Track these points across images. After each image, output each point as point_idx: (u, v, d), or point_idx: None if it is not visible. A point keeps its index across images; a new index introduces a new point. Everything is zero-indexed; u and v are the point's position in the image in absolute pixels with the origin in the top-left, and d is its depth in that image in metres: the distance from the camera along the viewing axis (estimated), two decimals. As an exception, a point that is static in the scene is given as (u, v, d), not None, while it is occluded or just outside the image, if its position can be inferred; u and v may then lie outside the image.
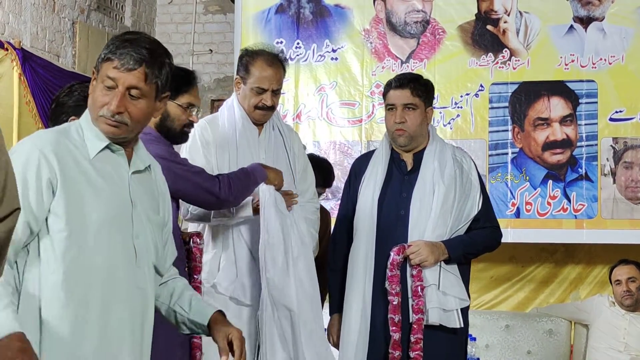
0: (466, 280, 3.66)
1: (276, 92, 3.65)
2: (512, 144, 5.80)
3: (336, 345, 3.73)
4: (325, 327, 3.69)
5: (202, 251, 3.45)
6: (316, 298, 3.52)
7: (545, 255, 6.25)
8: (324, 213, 4.93)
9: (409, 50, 5.99)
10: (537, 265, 6.26)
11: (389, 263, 3.50)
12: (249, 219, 3.52)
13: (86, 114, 2.32)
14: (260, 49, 3.67)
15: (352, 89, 6.06)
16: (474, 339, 4.30)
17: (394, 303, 3.48)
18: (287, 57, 4.02)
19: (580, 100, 5.73)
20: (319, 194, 4.89)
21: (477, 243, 3.67)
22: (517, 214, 5.73)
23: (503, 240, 3.84)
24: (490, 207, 3.79)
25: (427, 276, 3.53)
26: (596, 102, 5.70)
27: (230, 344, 2.38)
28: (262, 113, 3.63)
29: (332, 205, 5.64)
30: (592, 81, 5.71)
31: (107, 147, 2.29)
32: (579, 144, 5.71)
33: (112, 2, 6.96)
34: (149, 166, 2.40)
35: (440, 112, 5.83)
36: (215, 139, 3.59)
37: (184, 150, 3.60)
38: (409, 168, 3.72)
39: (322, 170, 4.90)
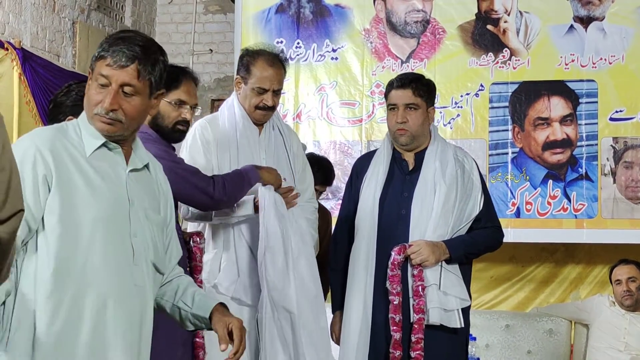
0: (467, 280, 3.66)
1: (277, 92, 3.65)
2: (512, 143, 5.80)
3: (338, 342, 3.74)
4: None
5: (203, 251, 3.45)
6: (319, 296, 3.53)
7: (546, 255, 6.25)
8: (325, 212, 4.93)
9: (409, 50, 5.99)
10: (537, 265, 6.26)
11: (390, 262, 3.50)
12: (250, 217, 3.52)
13: (84, 113, 2.33)
14: (261, 49, 3.67)
15: (352, 88, 6.06)
16: (474, 338, 4.29)
17: (395, 303, 3.48)
18: (287, 56, 4.02)
19: (580, 100, 5.73)
20: (320, 193, 4.90)
21: (478, 243, 3.68)
22: (517, 214, 5.73)
23: (503, 240, 3.84)
24: (492, 207, 3.80)
25: (428, 276, 3.54)
26: (596, 102, 5.70)
27: (230, 334, 2.37)
28: (263, 113, 3.63)
29: (333, 204, 5.64)
30: (593, 81, 5.71)
31: (104, 145, 2.29)
32: (579, 143, 5.71)
33: (112, 2, 6.96)
34: (148, 164, 2.40)
35: (441, 112, 5.83)
36: (215, 138, 3.59)
37: (183, 150, 3.60)
38: (411, 168, 3.73)
39: (323, 168, 4.91)
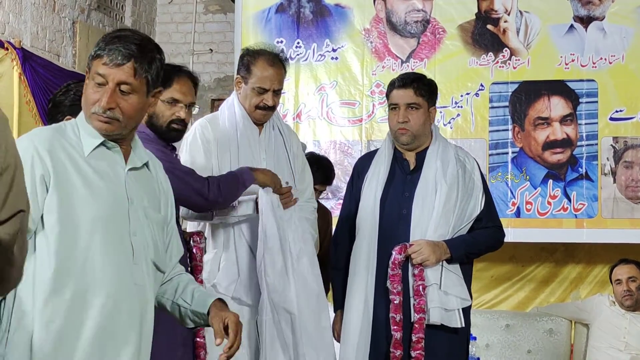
0: (468, 280, 3.66)
1: (277, 92, 3.65)
2: (512, 143, 5.80)
3: (340, 340, 3.75)
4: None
5: (203, 250, 3.45)
6: (322, 295, 3.54)
7: (546, 254, 6.25)
8: (325, 212, 4.93)
9: (409, 49, 5.98)
10: (537, 265, 6.26)
11: (390, 262, 3.50)
12: (251, 217, 3.52)
13: (82, 112, 2.33)
14: (262, 49, 3.67)
15: (352, 88, 6.05)
16: (474, 338, 4.28)
17: (396, 302, 3.48)
18: (287, 56, 4.02)
19: (580, 100, 5.73)
20: (320, 192, 4.90)
21: (479, 243, 3.68)
22: (518, 214, 5.73)
23: (504, 239, 3.85)
24: (493, 207, 3.80)
25: (429, 275, 3.54)
26: (596, 102, 5.70)
27: (227, 329, 2.36)
28: (263, 113, 3.63)
29: (333, 204, 5.64)
30: (593, 80, 5.71)
31: (102, 144, 2.29)
32: (579, 143, 5.71)
33: (112, 2, 6.96)
34: (148, 163, 2.40)
35: (441, 112, 5.82)
36: (216, 138, 3.59)
37: (184, 149, 3.60)
38: (412, 167, 3.73)
39: (322, 168, 4.91)
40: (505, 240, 3.89)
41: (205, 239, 3.53)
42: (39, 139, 2.24)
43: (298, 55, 6.09)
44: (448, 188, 3.62)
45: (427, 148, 3.73)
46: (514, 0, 5.84)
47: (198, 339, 3.32)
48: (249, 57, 3.63)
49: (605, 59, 5.70)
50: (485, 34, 5.87)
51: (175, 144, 3.44)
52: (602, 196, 5.64)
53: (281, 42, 6.04)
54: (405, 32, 6.00)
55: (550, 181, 5.72)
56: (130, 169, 2.34)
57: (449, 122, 5.87)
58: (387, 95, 3.76)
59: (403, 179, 3.71)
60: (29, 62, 5.49)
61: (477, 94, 5.86)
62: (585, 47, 5.72)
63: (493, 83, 5.84)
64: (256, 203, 3.49)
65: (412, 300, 3.52)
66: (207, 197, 3.30)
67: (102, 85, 2.26)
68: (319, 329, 3.49)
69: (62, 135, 2.28)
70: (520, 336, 5.78)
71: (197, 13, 7.43)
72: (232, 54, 6.81)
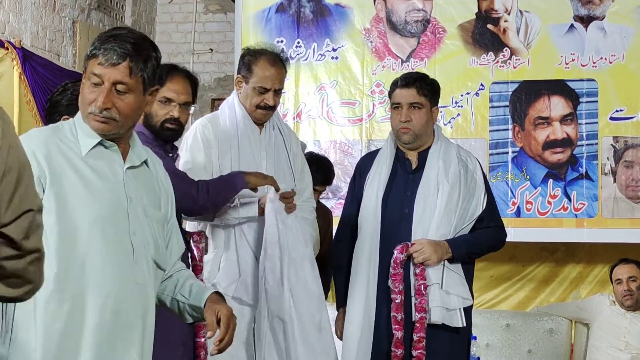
0: (470, 280, 3.67)
1: (278, 92, 3.65)
2: (512, 143, 5.80)
3: (342, 338, 3.75)
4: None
5: (203, 250, 3.44)
6: (322, 297, 3.56)
7: (546, 254, 6.25)
8: (326, 212, 4.93)
9: (410, 49, 5.98)
10: (537, 265, 6.26)
11: (392, 261, 3.51)
12: (253, 219, 3.52)
13: (80, 112, 2.33)
14: (263, 49, 3.67)
15: (352, 88, 6.05)
16: (475, 338, 4.29)
17: (397, 301, 3.49)
18: (288, 56, 4.02)
19: (580, 99, 5.73)
20: (320, 192, 4.90)
21: (481, 242, 3.68)
22: (518, 213, 5.73)
23: (506, 239, 3.85)
24: (495, 206, 3.80)
25: (431, 275, 3.54)
26: (596, 101, 5.70)
27: (220, 322, 2.34)
28: (264, 112, 3.63)
29: (333, 204, 5.64)
30: (593, 80, 5.71)
31: (100, 143, 2.29)
32: (579, 143, 5.70)
33: (112, 2, 6.96)
34: (147, 161, 2.40)
35: (441, 111, 5.80)
36: (216, 137, 3.59)
37: (184, 148, 3.59)
38: (414, 167, 3.73)
39: (322, 167, 4.90)
40: (506, 239, 3.89)
41: (207, 238, 3.52)
42: (34, 140, 2.24)
43: (298, 54, 6.09)
44: (450, 187, 3.62)
45: (429, 147, 3.73)
46: (514, -1, 5.85)
47: (198, 339, 3.32)
48: (250, 57, 3.63)
49: (606, 59, 5.70)
50: (485, 34, 5.87)
51: (176, 143, 3.43)
52: (602, 196, 5.64)
53: (281, 41, 6.04)
54: (405, 32, 6.00)
55: (551, 181, 5.72)
56: (129, 168, 2.33)
57: (449, 122, 5.87)
58: (390, 95, 3.77)
59: (405, 178, 3.71)
60: (29, 61, 5.49)
61: (477, 94, 5.86)
62: (585, 47, 5.72)
63: (493, 83, 5.84)
64: (260, 206, 3.49)
65: (413, 299, 3.52)
66: (197, 201, 3.27)
67: (98, 85, 2.26)
68: (319, 331, 3.49)
69: (59, 135, 2.28)
70: (520, 336, 5.78)
71: (197, 13, 7.43)
72: (232, 53, 6.81)
